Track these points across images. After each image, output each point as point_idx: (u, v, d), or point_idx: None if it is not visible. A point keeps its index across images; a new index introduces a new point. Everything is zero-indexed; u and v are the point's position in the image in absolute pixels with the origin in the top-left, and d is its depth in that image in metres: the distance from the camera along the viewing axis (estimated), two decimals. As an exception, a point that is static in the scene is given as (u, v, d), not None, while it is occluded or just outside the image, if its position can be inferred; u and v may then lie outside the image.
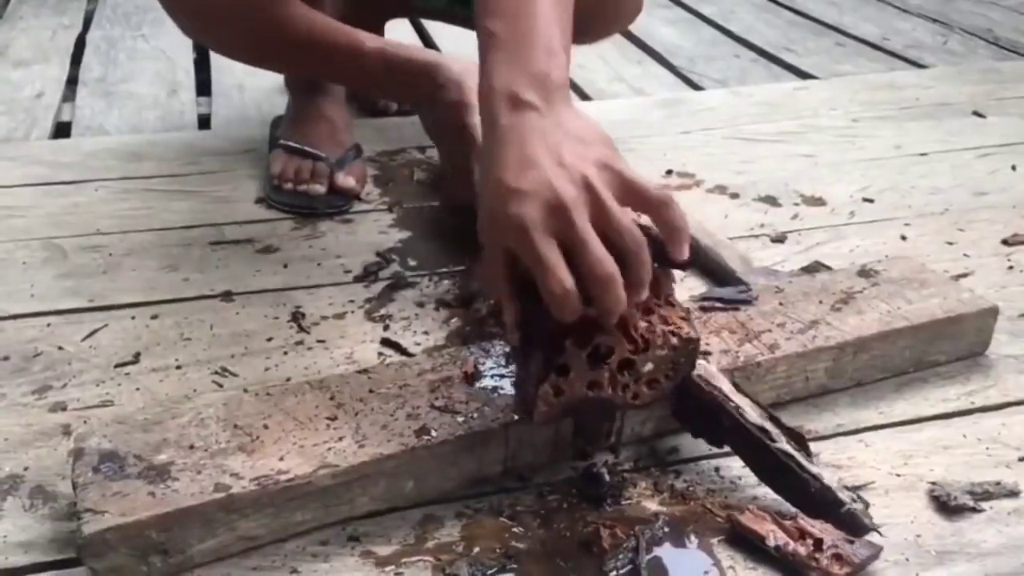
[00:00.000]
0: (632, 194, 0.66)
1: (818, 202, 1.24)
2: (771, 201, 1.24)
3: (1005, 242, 1.13)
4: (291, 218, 1.19)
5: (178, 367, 0.90)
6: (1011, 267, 1.08)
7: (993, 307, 0.90)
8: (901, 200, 1.25)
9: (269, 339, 0.95)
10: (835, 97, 1.60)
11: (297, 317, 0.98)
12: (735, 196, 1.26)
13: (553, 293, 0.63)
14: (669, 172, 1.33)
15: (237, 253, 1.11)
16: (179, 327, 0.96)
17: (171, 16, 1.09)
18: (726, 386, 0.75)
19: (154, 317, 0.98)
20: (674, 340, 0.71)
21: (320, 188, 1.21)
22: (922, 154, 1.39)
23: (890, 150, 1.40)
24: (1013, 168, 1.34)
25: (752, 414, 0.73)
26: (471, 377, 0.79)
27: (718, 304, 0.89)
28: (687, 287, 1.04)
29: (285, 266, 1.08)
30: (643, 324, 0.73)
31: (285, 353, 0.92)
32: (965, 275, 1.06)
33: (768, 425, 0.72)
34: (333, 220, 1.19)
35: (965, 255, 1.11)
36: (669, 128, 1.49)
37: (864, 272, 0.95)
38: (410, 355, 0.92)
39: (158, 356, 0.91)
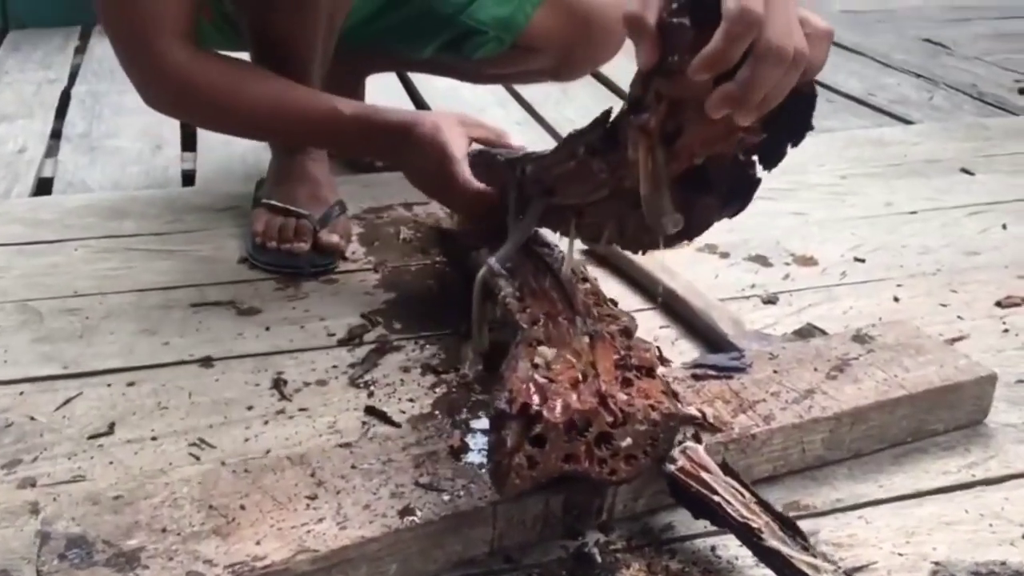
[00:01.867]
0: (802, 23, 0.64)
1: (809, 262, 1.23)
2: (762, 260, 1.23)
3: (999, 304, 1.12)
4: (274, 278, 1.17)
5: (154, 438, 0.87)
6: (1007, 330, 1.07)
7: (991, 374, 0.88)
8: (892, 260, 1.23)
9: (249, 407, 0.92)
10: (823, 153, 1.60)
11: (279, 383, 0.95)
12: (725, 255, 1.24)
13: None
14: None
15: (218, 315, 1.08)
16: (156, 395, 0.93)
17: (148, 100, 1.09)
18: (710, 474, 0.72)
19: (131, 384, 0.95)
20: (654, 415, 0.70)
21: (304, 246, 1.19)
22: (912, 212, 1.38)
23: (880, 208, 1.39)
24: (1004, 227, 1.33)
25: (738, 507, 0.69)
26: (458, 451, 0.76)
27: (711, 372, 0.87)
28: (678, 351, 1.02)
29: (267, 329, 1.05)
30: (622, 397, 0.71)
31: (265, 423, 0.89)
32: (960, 339, 1.04)
33: (756, 518, 0.69)
34: (317, 280, 1.17)
35: (959, 317, 1.09)
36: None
37: (859, 337, 0.93)
38: (395, 424, 0.90)
39: (133, 426, 0.88)
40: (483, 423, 0.80)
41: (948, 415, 0.88)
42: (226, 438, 0.87)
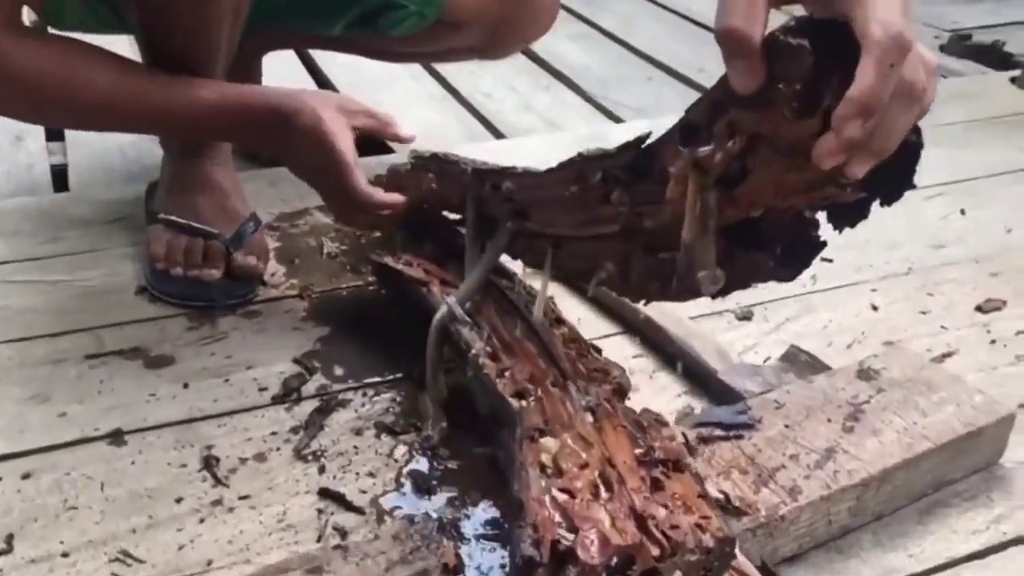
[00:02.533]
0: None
1: (775, 264, 1.14)
2: (726, 265, 1.13)
3: (979, 309, 1.06)
4: (184, 313, 1.00)
5: (64, 555, 0.71)
6: (993, 341, 1.01)
7: (1011, 414, 0.81)
8: (861, 258, 1.16)
9: (178, 499, 0.77)
10: (761, 127, 1.51)
11: (210, 462, 0.80)
12: (686, 260, 1.14)
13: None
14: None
15: (123, 370, 0.91)
16: (60, 489, 0.77)
17: None
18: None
19: (26, 476, 0.78)
20: (706, 539, 0.58)
21: (216, 272, 1.03)
22: (867, 198, 1.31)
23: (833, 193, 1.32)
24: (963, 212, 1.27)
25: None
26: (453, 571, 0.64)
27: (718, 431, 0.77)
28: (658, 386, 0.92)
29: (186, 386, 0.90)
30: (662, 513, 0.59)
31: (201, 520, 0.75)
32: (949, 354, 0.98)
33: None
34: (235, 314, 1.01)
35: (942, 327, 1.03)
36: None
37: (864, 373, 0.85)
38: (358, 511, 0.76)
39: (37, 538, 0.72)
40: (474, 525, 0.69)
41: (968, 461, 0.81)
42: (156, 547, 0.72)
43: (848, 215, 0.59)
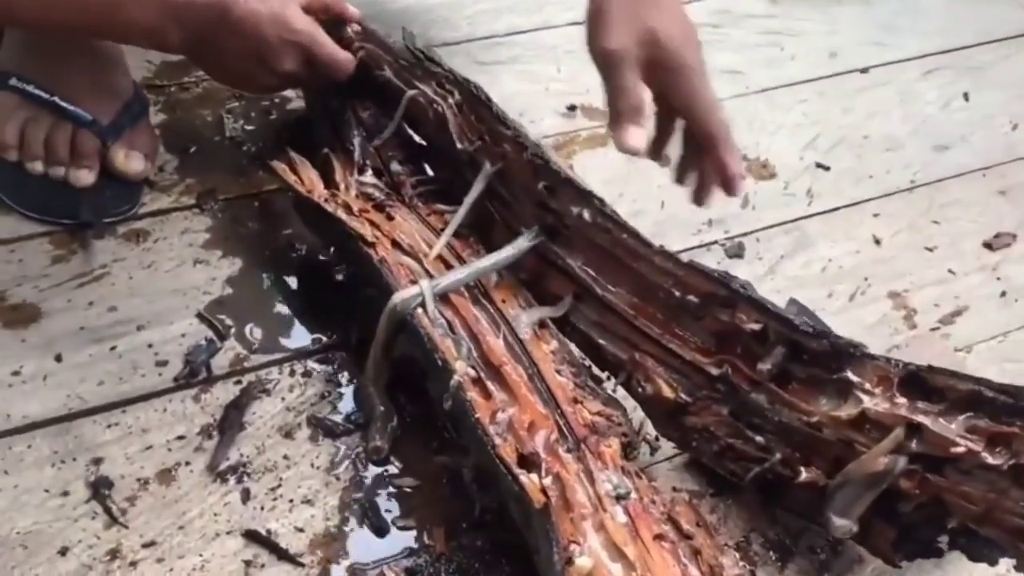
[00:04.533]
0: None
1: (766, 170, 0.98)
2: (711, 171, 0.96)
3: (988, 246, 0.94)
4: (46, 232, 0.79)
5: (-83, 652, 0.55)
6: (1004, 293, 0.90)
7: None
8: (859, 164, 1.01)
9: (63, 551, 0.60)
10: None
11: (99, 489, 0.63)
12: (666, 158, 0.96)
13: None
14: (572, 108, 1.01)
15: (-30, 330, 0.71)
16: (-99, 539, 0.60)
17: None
18: None
19: None
20: None
21: (88, 176, 0.80)
22: (863, 71, 1.13)
23: (824, 62, 1.13)
24: (966, 98, 1.11)
25: None
26: None
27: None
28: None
29: (59, 359, 0.70)
30: None
31: (97, 585, 0.60)
32: (959, 313, 0.87)
33: None
34: (116, 236, 0.79)
35: (950, 272, 0.91)
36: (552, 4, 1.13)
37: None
38: (295, 560, 0.62)
39: None
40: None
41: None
42: (38, 630, 0.57)
43: (985, 555, 0.57)
